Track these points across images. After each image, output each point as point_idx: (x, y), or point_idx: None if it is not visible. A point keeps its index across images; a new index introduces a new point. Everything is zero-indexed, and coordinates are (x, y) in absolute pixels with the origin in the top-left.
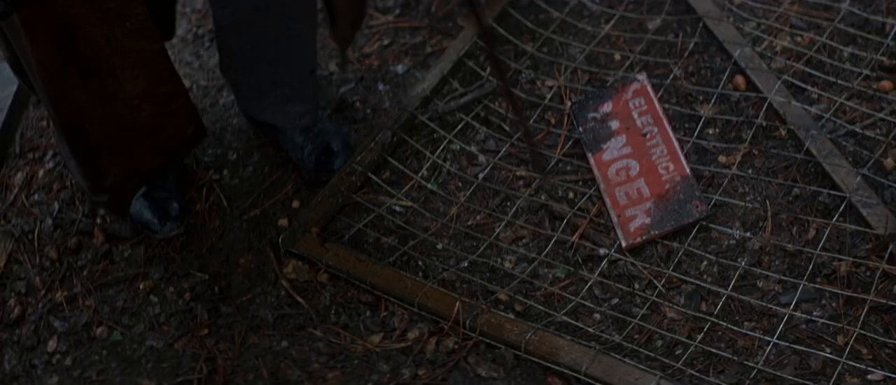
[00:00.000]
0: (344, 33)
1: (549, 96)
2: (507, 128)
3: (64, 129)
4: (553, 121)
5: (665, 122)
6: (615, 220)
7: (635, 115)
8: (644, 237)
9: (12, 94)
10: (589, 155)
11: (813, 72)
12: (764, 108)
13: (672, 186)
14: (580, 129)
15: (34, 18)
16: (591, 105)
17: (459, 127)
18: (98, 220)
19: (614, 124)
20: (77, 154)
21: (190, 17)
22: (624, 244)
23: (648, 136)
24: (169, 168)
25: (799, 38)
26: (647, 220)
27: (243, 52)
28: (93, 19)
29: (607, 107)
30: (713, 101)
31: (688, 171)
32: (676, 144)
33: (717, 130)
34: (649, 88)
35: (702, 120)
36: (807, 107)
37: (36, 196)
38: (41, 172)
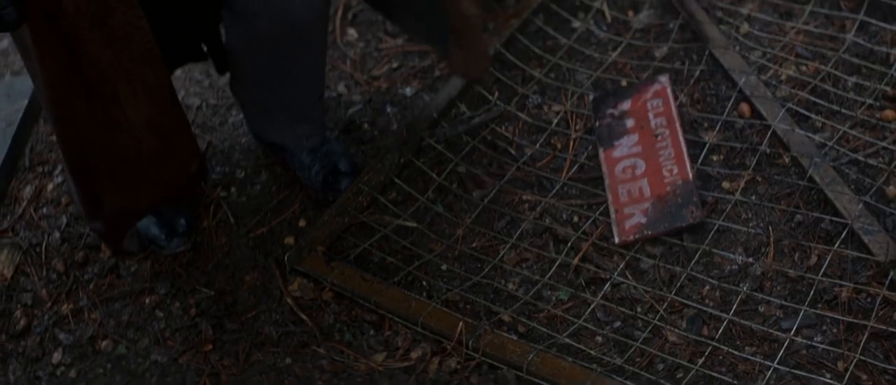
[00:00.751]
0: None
1: (555, 121)
2: (513, 151)
3: (66, 151)
4: (559, 145)
5: (678, 126)
6: (613, 215)
7: (651, 115)
8: (637, 236)
9: (23, 107)
10: (600, 150)
11: (817, 100)
12: (768, 136)
13: (672, 189)
14: (597, 123)
15: (44, 34)
16: (610, 101)
17: (466, 150)
18: None
19: (630, 122)
20: (76, 177)
21: None
22: (617, 240)
23: (660, 137)
24: (170, 205)
25: (804, 67)
26: (643, 220)
27: (254, 73)
28: (99, 41)
29: (626, 105)
30: (718, 128)
31: (690, 175)
32: (685, 148)
33: (722, 157)
34: (669, 92)
35: (706, 146)
36: (810, 135)
37: (44, 209)
38: (50, 186)
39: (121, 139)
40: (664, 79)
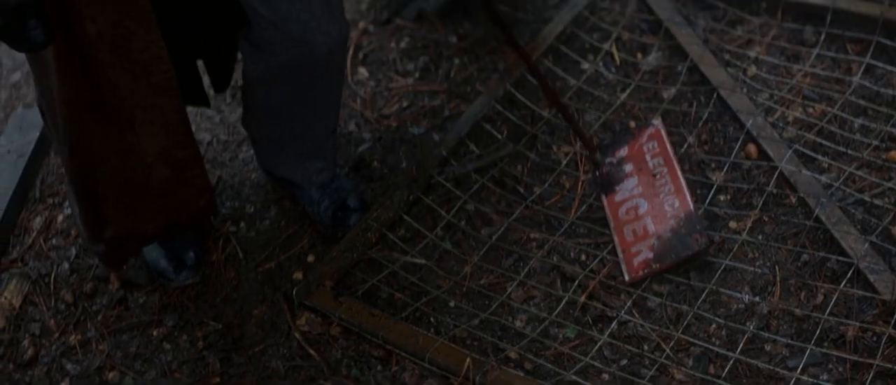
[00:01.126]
0: None
1: (564, 162)
2: (521, 190)
3: (75, 173)
4: (567, 185)
5: (675, 162)
6: (621, 255)
7: (648, 157)
8: (646, 271)
9: (35, 140)
10: (603, 196)
11: (824, 142)
12: (775, 177)
13: (676, 221)
14: (596, 173)
15: (66, 55)
16: (608, 150)
17: (475, 188)
18: None
19: (628, 167)
20: (82, 200)
21: None
22: (626, 278)
23: (658, 176)
24: (177, 233)
25: (811, 110)
26: (650, 255)
27: (269, 106)
28: (119, 66)
29: (624, 151)
30: (725, 168)
31: (691, 206)
32: (683, 182)
33: (729, 197)
34: (663, 132)
35: (714, 187)
36: (817, 175)
37: (54, 240)
38: (60, 218)
39: (132, 166)
40: (657, 122)
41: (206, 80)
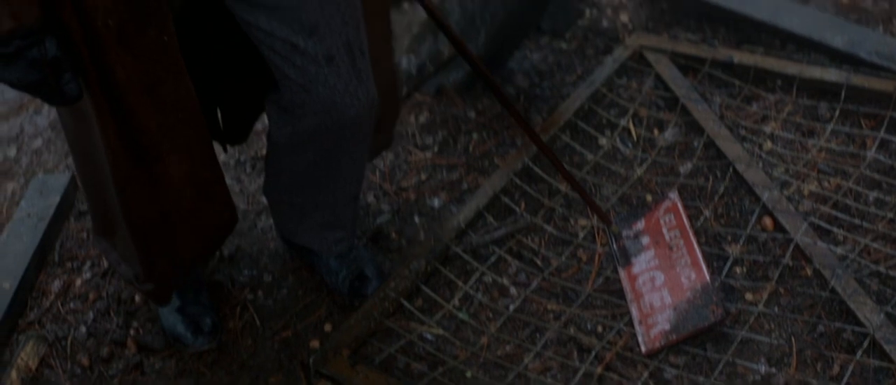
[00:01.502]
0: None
1: (581, 235)
2: (539, 262)
3: (127, 214)
4: (584, 258)
5: (691, 235)
6: (638, 327)
7: (665, 230)
8: (663, 342)
9: (55, 204)
10: (619, 269)
11: (839, 214)
12: (791, 249)
13: (692, 293)
14: (614, 246)
15: (103, 102)
16: (625, 223)
17: (492, 260)
18: (131, 331)
19: (646, 239)
20: (136, 239)
21: None
22: (643, 350)
23: (675, 248)
24: (208, 256)
25: (826, 183)
26: (667, 326)
27: (293, 172)
28: (149, 108)
29: (641, 224)
30: (742, 241)
31: (707, 278)
32: (700, 254)
33: (745, 269)
34: (679, 206)
35: (730, 259)
36: (832, 247)
37: (72, 304)
38: (78, 282)
39: (163, 195)
40: (673, 195)
41: None
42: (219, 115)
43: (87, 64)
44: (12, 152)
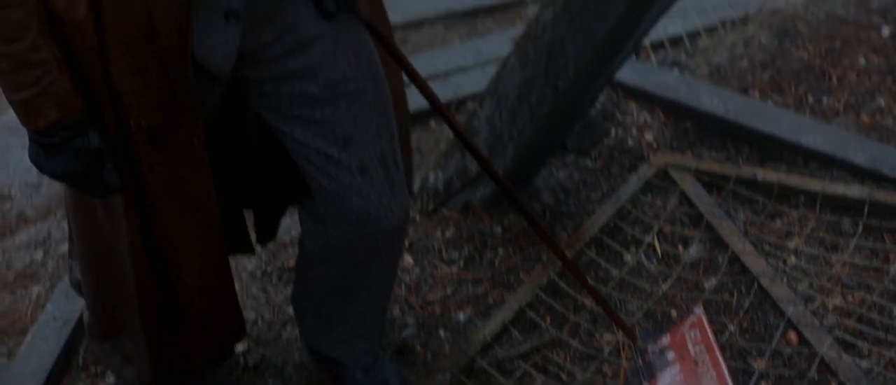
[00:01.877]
0: None
1: (607, 351)
2: (564, 377)
3: (145, 315)
4: (610, 373)
5: (716, 350)
6: None
7: (690, 345)
8: None
9: (80, 308)
10: (645, 383)
11: (864, 328)
12: (816, 363)
13: None
14: (639, 361)
15: (132, 199)
16: (650, 338)
17: (518, 374)
18: None
19: (671, 355)
20: (152, 342)
21: (260, 255)
22: None
23: (700, 363)
24: (214, 364)
25: (850, 297)
26: None
27: (324, 282)
28: (169, 210)
29: (666, 339)
30: (767, 355)
31: None
32: (725, 369)
33: (771, 384)
34: (704, 321)
35: (755, 374)
36: (858, 361)
37: None
38: None
39: (172, 298)
40: (699, 310)
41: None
42: (247, 217)
43: (123, 161)
44: (39, 256)
